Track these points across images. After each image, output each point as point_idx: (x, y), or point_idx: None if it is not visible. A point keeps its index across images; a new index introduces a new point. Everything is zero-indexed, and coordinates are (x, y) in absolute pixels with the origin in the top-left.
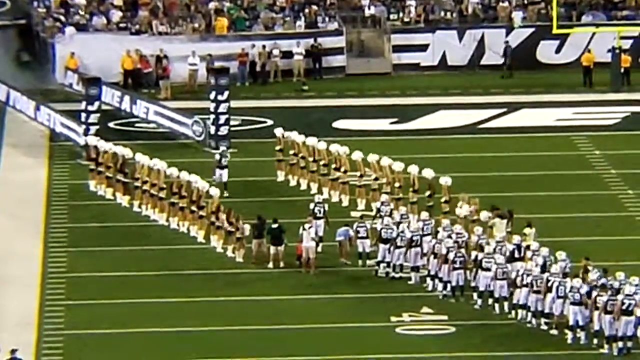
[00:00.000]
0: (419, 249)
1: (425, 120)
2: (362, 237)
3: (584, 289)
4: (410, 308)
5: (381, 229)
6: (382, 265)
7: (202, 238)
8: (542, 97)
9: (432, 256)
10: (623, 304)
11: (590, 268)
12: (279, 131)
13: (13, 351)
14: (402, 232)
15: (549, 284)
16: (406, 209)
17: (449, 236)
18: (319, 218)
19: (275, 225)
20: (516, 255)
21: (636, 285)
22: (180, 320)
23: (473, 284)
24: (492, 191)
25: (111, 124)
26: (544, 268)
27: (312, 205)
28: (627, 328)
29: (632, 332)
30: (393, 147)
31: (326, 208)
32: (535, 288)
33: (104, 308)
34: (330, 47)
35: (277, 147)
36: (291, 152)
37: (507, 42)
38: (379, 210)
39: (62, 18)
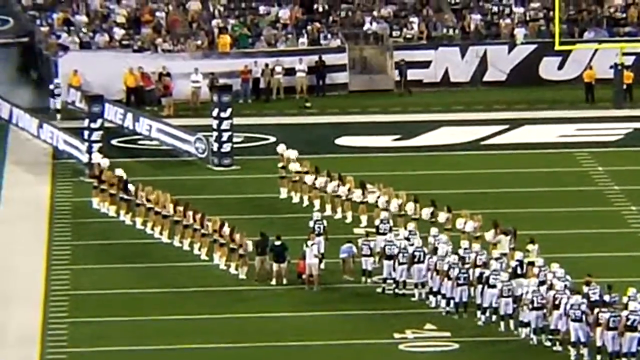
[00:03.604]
0: (422, 265)
1: (428, 136)
2: (365, 255)
3: (585, 305)
4: (414, 324)
5: (385, 245)
6: (387, 282)
7: (205, 255)
8: (545, 114)
9: (434, 273)
10: (628, 319)
11: (593, 285)
12: (281, 148)
13: None
14: (404, 248)
15: (556, 302)
16: (414, 225)
17: (455, 252)
18: (319, 235)
19: (278, 242)
20: (518, 271)
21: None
22: (182, 338)
23: (478, 301)
24: (495, 207)
25: (114, 142)
26: (551, 285)
27: (311, 223)
28: (631, 344)
29: (636, 349)
30: (396, 164)
31: (325, 224)
32: (536, 304)
33: (106, 325)
34: (333, 64)
35: (280, 164)
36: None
37: (402, 60)
38: (377, 227)
39: (65, 36)
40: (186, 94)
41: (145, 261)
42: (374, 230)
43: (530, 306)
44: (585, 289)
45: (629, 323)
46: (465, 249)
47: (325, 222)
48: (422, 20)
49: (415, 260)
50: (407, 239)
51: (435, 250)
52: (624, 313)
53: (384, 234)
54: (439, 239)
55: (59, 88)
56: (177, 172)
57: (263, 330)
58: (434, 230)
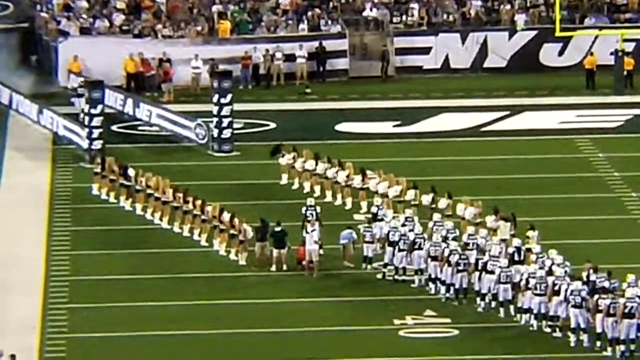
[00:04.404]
0: (422, 251)
1: (428, 123)
2: (367, 242)
3: (585, 291)
4: (414, 311)
5: (389, 231)
6: (388, 268)
7: (204, 241)
8: (545, 100)
9: (429, 259)
10: (625, 307)
11: (591, 271)
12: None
13: (13, 357)
14: (404, 234)
15: (555, 288)
16: (411, 211)
17: (454, 238)
18: (315, 221)
19: (278, 229)
20: (516, 258)
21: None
22: (183, 324)
23: (477, 287)
24: (495, 194)
25: (114, 127)
26: (550, 271)
27: (304, 209)
28: (629, 331)
29: (635, 335)
30: (396, 150)
31: (318, 210)
32: (538, 291)
33: (106, 311)
34: (333, 50)
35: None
36: (292, 154)
37: (385, 46)
38: (375, 214)
39: (65, 21)
40: (186, 80)
41: (145, 247)
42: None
43: (533, 292)
44: (592, 276)
45: (626, 310)
46: (470, 234)
47: (318, 208)
48: (422, 7)
49: (416, 247)
50: (404, 225)
51: (431, 237)
52: (621, 300)
53: (382, 219)
54: (443, 226)
55: (83, 87)
56: (177, 158)
57: (263, 316)
58: (436, 216)
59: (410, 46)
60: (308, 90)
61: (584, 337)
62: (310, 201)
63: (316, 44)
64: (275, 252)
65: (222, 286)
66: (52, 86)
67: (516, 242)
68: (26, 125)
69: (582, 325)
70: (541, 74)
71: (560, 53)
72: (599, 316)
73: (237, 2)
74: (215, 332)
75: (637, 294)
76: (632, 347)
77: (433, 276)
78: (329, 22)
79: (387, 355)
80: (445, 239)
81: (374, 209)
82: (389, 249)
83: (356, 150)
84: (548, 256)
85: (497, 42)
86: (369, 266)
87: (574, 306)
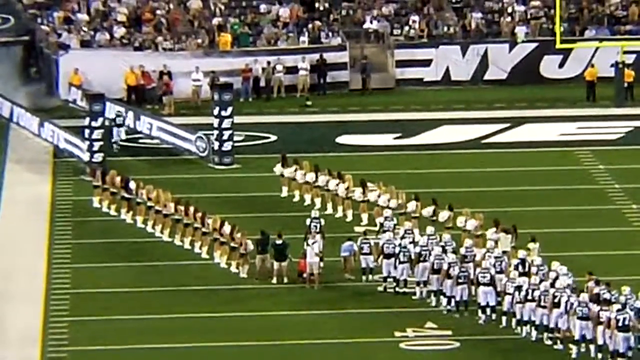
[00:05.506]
0: (427, 263)
1: (429, 135)
2: (365, 253)
3: (591, 304)
4: (415, 323)
5: (383, 244)
6: (388, 280)
7: (205, 254)
8: (546, 112)
9: (432, 272)
10: (617, 320)
11: (591, 284)
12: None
13: None
14: (405, 247)
15: (556, 300)
16: (411, 224)
17: (453, 251)
18: (317, 233)
19: (279, 241)
20: (520, 270)
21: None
22: (184, 336)
23: (478, 300)
24: (496, 206)
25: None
26: (552, 283)
27: (308, 221)
28: (624, 343)
29: (635, 345)
30: (396, 162)
31: (322, 223)
32: (542, 303)
33: (107, 324)
34: (334, 62)
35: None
36: (293, 167)
37: (365, 58)
38: (382, 225)
39: (66, 34)
40: (187, 92)
41: (146, 260)
42: (375, 228)
43: (537, 304)
44: (596, 288)
45: (619, 323)
46: (467, 247)
47: (322, 220)
48: (422, 19)
49: (421, 259)
50: (403, 237)
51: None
52: (612, 315)
53: (388, 231)
54: (436, 239)
55: (120, 117)
56: (177, 171)
57: (264, 329)
58: (429, 230)
59: (410, 58)
60: (309, 103)
61: (591, 347)
62: (314, 213)
63: (316, 56)
64: (276, 264)
65: (222, 299)
66: (52, 99)
67: (521, 254)
68: (27, 138)
69: (588, 337)
70: (542, 85)
71: (561, 65)
72: (599, 328)
73: (237, 14)
74: (215, 345)
75: (635, 306)
76: (630, 353)
77: (434, 289)
78: (330, 34)
79: None
80: (444, 251)
81: (380, 219)
82: (385, 262)
83: (357, 162)
84: (550, 268)
85: (498, 54)
86: (370, 276)
87: (580, 318)
